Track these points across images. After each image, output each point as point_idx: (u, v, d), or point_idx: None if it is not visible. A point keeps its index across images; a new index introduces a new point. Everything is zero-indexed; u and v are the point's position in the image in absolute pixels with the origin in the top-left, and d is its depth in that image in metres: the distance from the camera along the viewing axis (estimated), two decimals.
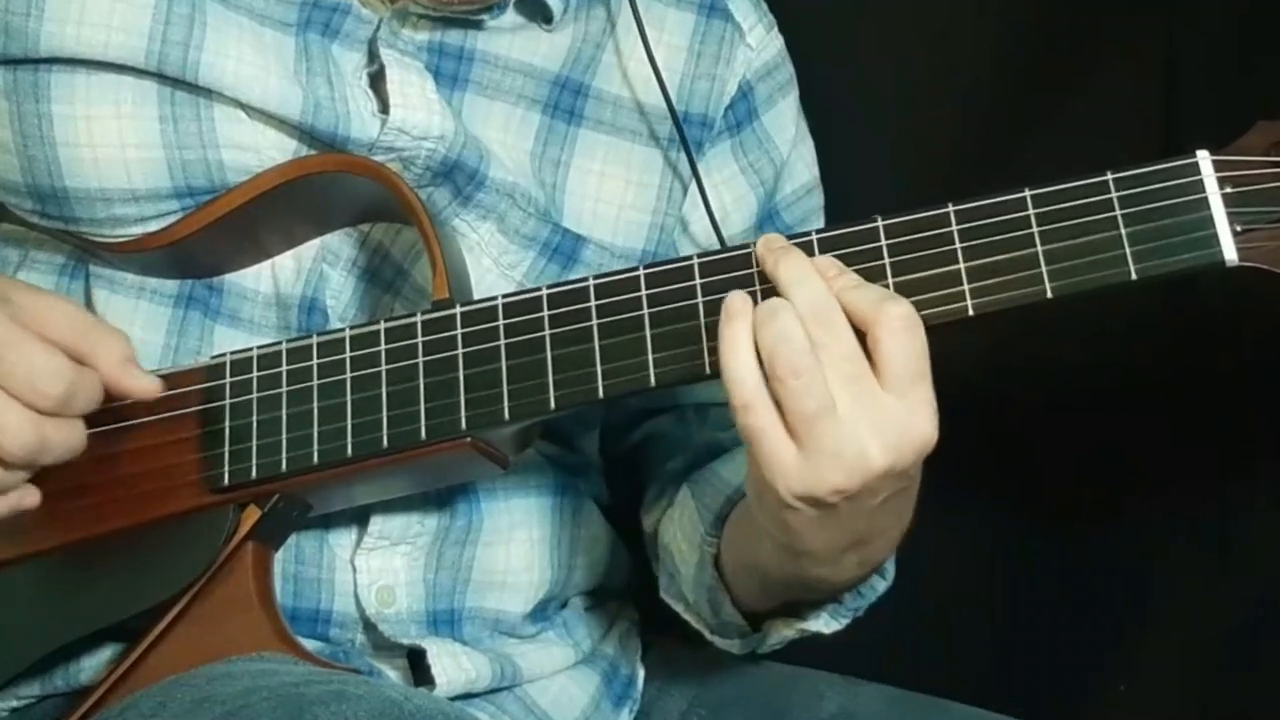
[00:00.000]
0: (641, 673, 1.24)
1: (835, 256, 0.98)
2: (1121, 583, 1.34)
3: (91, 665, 1.08)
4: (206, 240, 1.10)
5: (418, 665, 1.11)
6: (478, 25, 1.14)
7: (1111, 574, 1.33)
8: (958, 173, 1.33)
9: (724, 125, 1.21)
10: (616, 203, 1.17)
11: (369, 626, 1.11)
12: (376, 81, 1.11)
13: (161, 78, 1.07)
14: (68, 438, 0.99)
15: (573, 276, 1.14)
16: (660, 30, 1.18)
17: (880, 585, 1.12)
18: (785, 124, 1.24)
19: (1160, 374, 1.27)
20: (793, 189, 1.25)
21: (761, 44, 1.22)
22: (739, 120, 1.21)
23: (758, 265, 0.99)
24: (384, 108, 1.10)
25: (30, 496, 1.01)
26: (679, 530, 1.16)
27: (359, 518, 1.11)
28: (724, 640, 1.15)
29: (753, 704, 1.18)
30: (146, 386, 1.01)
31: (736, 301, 0.96)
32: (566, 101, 1.16)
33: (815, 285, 0.95)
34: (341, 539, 1.11)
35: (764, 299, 0.98)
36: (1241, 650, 1.28)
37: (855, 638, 1.21)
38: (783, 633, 1.13)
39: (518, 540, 1.15)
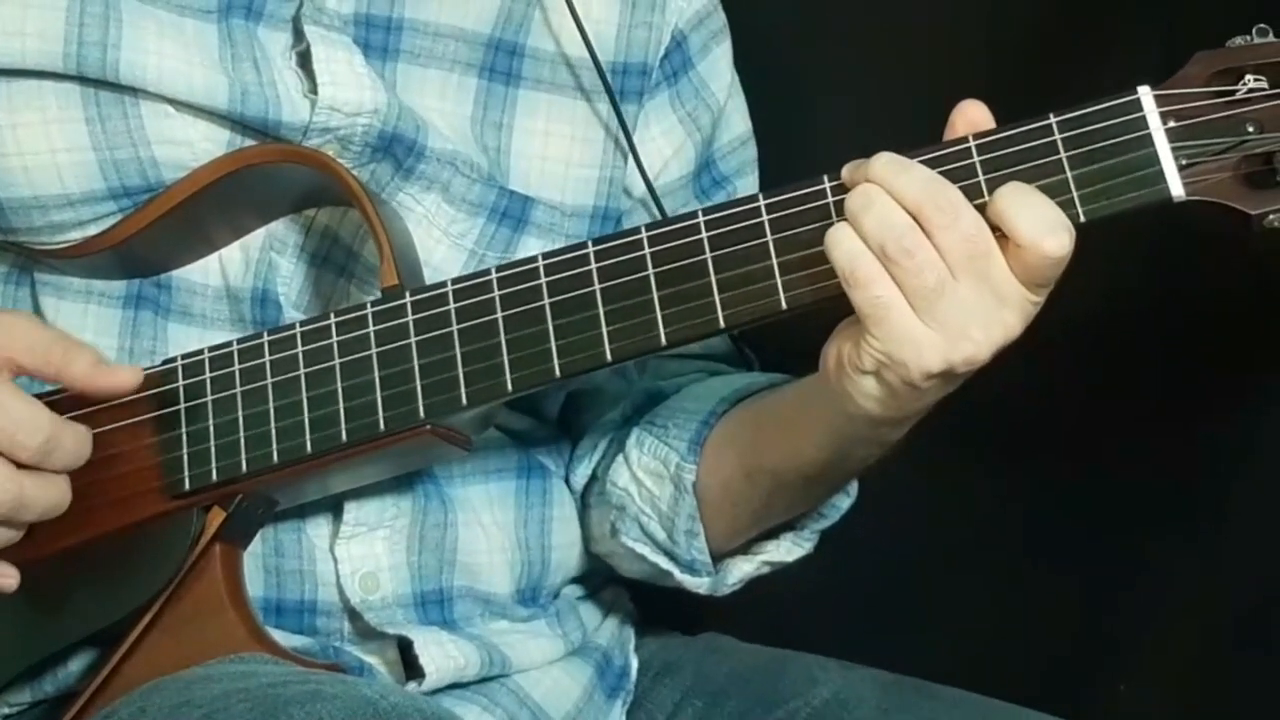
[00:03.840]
0: (635, 664, 1.23)
1: None
2: (1121, 582, 1.34)
3: (80, 669, 1.08)
4: (150, 239, 1.09)
5: (408, 656, 1.11)
6: None
7: (1111, 573, 1.33)
8: None
9: (660, 76, 1.20)
10: (563, 160, 1.16)
11: (354, 615, 1.11)
12: (306, 61, 1.09)
13: (83, 80, 1.06)
14: (48, 494, 0.99)
15: (525, 238, 1.14)
16: None
17: (844, 503, 1.14)
18: (721, 71, 1.23)
19: (1160, 372, 1.26)
20: (729, 139, 1.25)
21: None
22: (674, 70, 1.21)
23: (845, 184, 0.97)
24: (314, 88, 1.08)
25: (7, 579, 1.01)
26: (639, 470, 1.15)
27: (334, 507, 1.10)
28: (694, 579, 1.15)
29: (747, 691, 1.18)
30: (125, 379, 1.01)
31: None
32: (502, 63, 1.15)
33: (919, 170, 0.95)
34: (319, 529, 1.10)
35: (717, 268, 0.98)
36: (1242, 651, 1.29)
37: (851, 626, 1.21)
38: (743, 568, 1.14)
39: (485, 523, 1.15)
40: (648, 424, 1.17)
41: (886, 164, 0.95)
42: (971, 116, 0.97)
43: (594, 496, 1.21)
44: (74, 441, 0.99)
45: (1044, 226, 0.93)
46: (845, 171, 0.97)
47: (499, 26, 1.15)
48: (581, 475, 1.21)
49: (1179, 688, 1.31)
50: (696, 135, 1.22)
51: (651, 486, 1.15)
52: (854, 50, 1.39)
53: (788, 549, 1.14)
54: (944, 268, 0.93)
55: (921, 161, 0.96)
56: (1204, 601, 1.30)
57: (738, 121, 1.25)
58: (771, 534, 1.14)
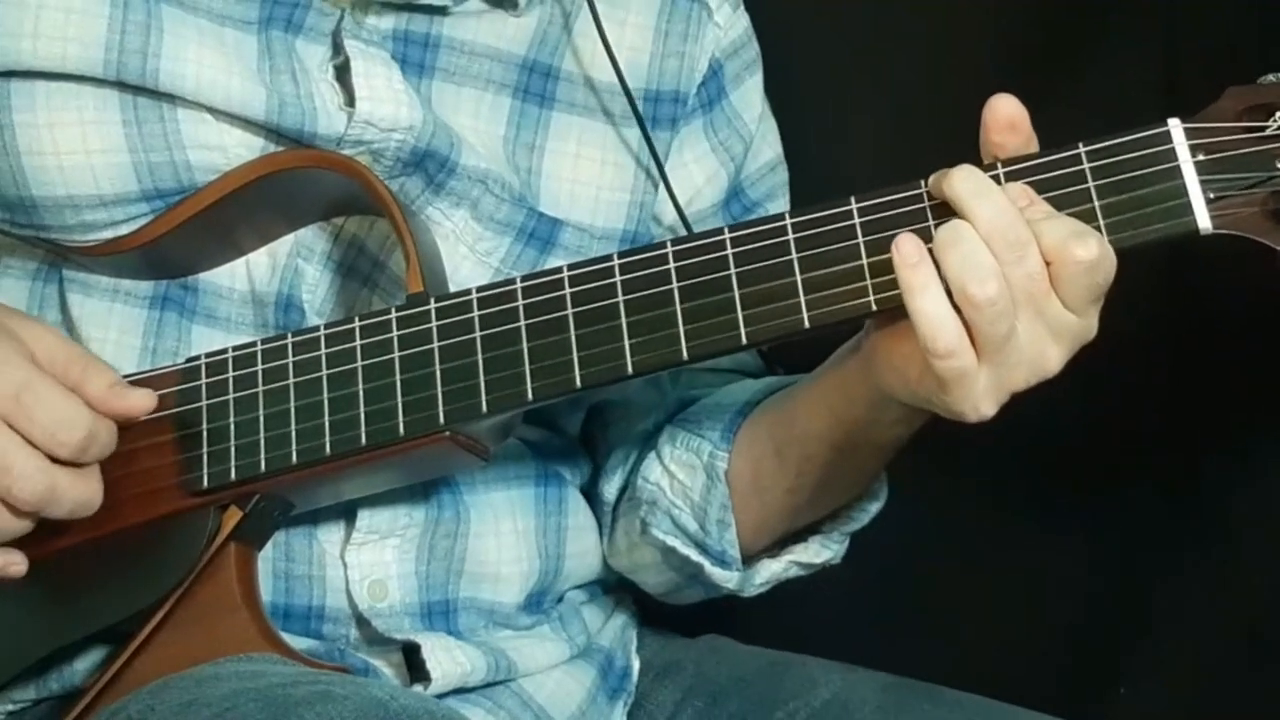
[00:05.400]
0: (636, 664, 1.23)
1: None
2: (1122, 586, 1.33)
3: (85, 668, 1.08)
4: (179, 240, 1.09)
5: (413, 660, 1.11)
6: (443, 11, 1.13)
7: (1112, 576, 1.32)
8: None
9: (696, 103, 1.21)
10: (594, 184, 1.16)
11: (361, 622, 1.11)
12: (343, 74, 1.10)
13: (122, 85, 1.06)
14: (82, 491, 1.00)
15: (551, 260, 1.14)
16: (626, 11, 1.18)
17: (873, 507, 1.14)
18: (753, 101, 1.24)
19: (1163, 372, 1.26)
20: (757, 166, 1.26)
21: (729, 22, 1.23)
22: (710, 98, 1.22)
23: (929, 199, 0.97)
24: (351, 100, 1.09)
25: (17, 566, 1.01)
26: (671, 464, 1.16)
27: (346, 513, 1.10)
28: (723, 572, 1.14)
29: (747, 692, 1.17)
30: (140, 403, 1.03)
31: (912, 246, 0.94)
32: (536, 85, 1.16)
33: (998, 199, 0.94)
34: (330, 535, 1.11)
35: (741, 284, 0.98)
36: (1242, 654, 1.28)
37: (852, 629, 1.20)
38: (771, 568, 1.15)
39: (504, 532, 1.15)
40: (680, 421, 1.18)
41: (965, 180, 0.95)
42: (999, 113, 0.97)
43: (625, 504, 1.21)
44: (107, 435, 1.01)
45: (1067, 232, 0.93)
46: (932, 179, 0.97)
47: (534, 49, 1.16)
48: (615, 486, 1.21)
49: (1180, 692, 1.30)
50: (730, 165, 1.23)
51: (684, 478, 1.15)
52: (865, 69, 1.40)
53: (815, 550, 1.15)
54: (1014, 314, 0.93)
55: None
56: (1205, 605, 1.30)
57: (766, 149, 1.26)
58: (799, 536, 1.15)
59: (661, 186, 1.18)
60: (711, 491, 1.13)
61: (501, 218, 1.13)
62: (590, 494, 1.23)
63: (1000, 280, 0.92)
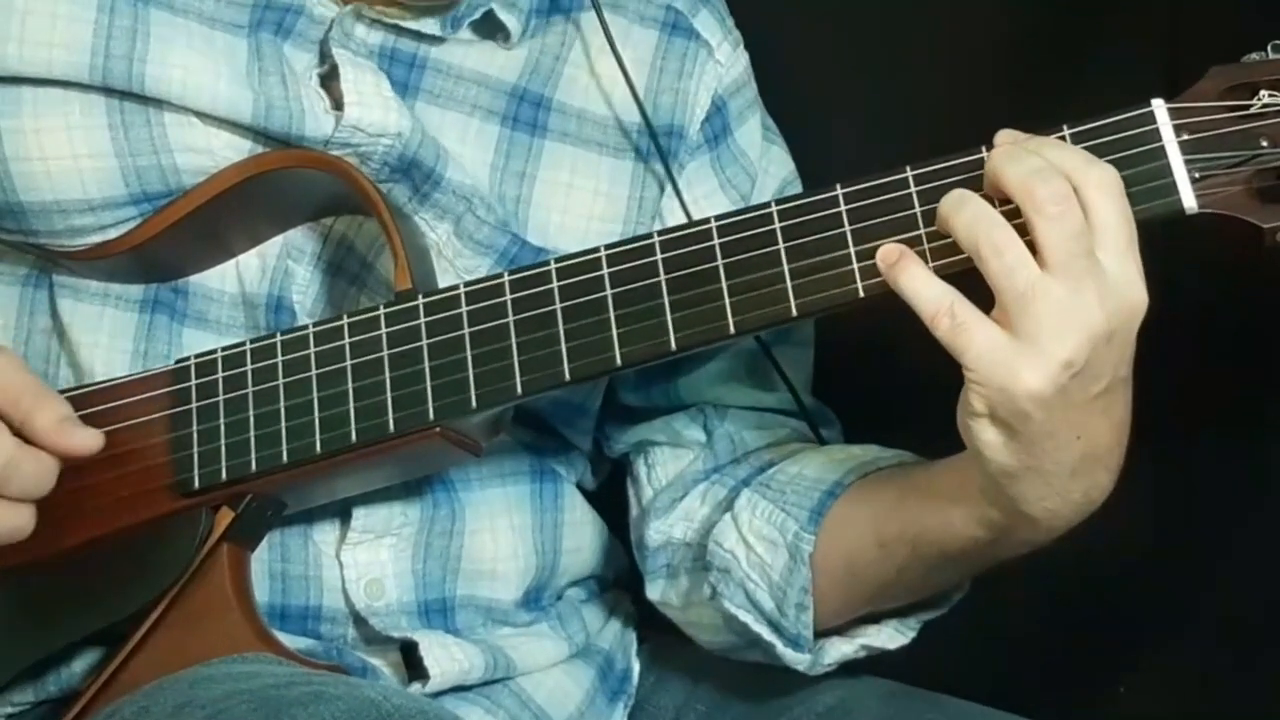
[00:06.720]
0: (637, 667, 1.23)
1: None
2: (1121, 583, 1.32)
3: (83, 669, 1.08)
4: (168, 243, 1.10)
5: (411, 658, 1.11)
6: (436, 40, 1.13)
7: (1111, 574, 1.32)
8: None
9: (701, 139, 1.20)
10: (585, 214, 1.16)
11: (359, 621, 1.11)
12: (328, 82, 1.10)
13: (109, 90, 1.07)
14: (10, 520, 0.98)
15: None
16: (622, 46, 1.16)
17: (956, 596, 1.11)
18: (755, 139, 1.23)
19: (1160, 370, 1.26)
20: (763, 199, 1.24)
21: (730, 60, 1.22)
22: (715, 135, 1.21)
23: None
24: (336, 106, 1.09)
25: None
26: (749, 534, 1.11)
27: (341, 512, 1.10)
28: (795, 654, 1.10)
29: (749, 698, 1.17)
30: (84, 443, 0.99)
31: (894, 251, 0.95)
32: (528, 114, 1.15)
33: (1032, 159, 0.92)
34: (326, 535, 1.11)
35: (728, 273, 0.99)
36: (1242, 652, 1.27)
37: None
38: (841, 649, 1.11)
39: (500, 528, 1.15)
40: (761, 486, 1.13)
41: (1000, 152, 0.94)
42: None
43: (679, 553, 1.17)
44: (34, 468, 0.98)
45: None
46: (942, 204, 0.96)
47: (525, 77, 1.16)
48: (659, 531, 1.18)
49: (1180, 692, 1.30)
50: (740, 202, 1.21)
51: (763, 553, 1.11)
52: (862, 60, 1.40)
53: (890, 635, 1.11)
54: (1035, 267, 0.91)
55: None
56: (1205, 602, 1.29)
57: (769, 181, 1.24)
58: (874, 617, 1.11)
59: (656, 220, 1.17)
60: (794, 574, 1.09)
61: (483, 239, 1.13)
62: (631, 538, 1.21)
63: (1006, 229, 0.91)
